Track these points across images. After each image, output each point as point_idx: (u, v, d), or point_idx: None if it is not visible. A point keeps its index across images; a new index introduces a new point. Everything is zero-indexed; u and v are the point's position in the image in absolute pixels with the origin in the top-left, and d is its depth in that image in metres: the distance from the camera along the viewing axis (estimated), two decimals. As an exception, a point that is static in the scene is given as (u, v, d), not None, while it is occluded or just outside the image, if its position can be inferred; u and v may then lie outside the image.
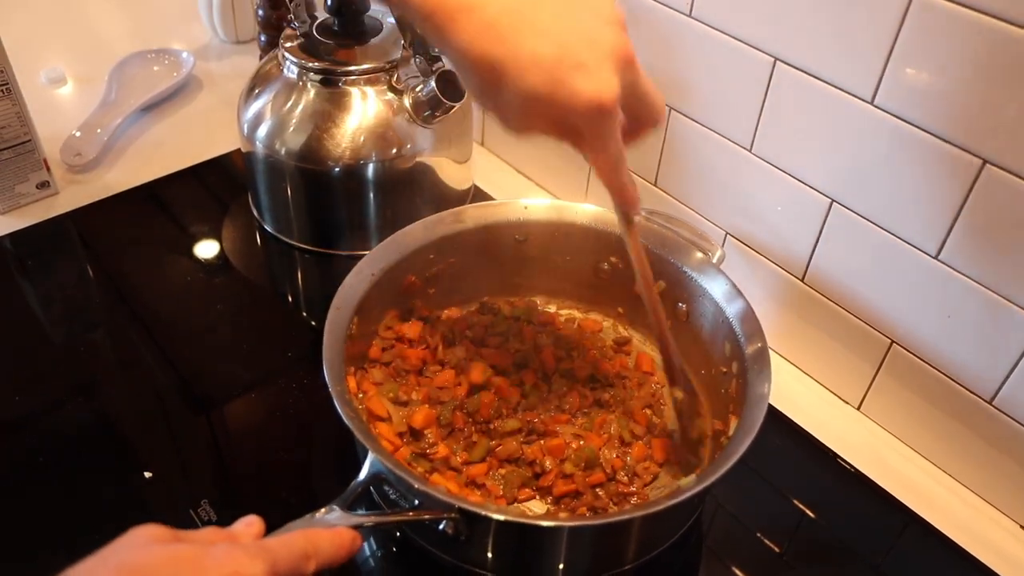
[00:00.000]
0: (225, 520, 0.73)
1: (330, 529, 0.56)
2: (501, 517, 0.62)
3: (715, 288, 0.79)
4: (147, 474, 0.78)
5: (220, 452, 0.83)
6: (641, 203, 0.67)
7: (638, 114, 0.61)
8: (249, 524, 0.54)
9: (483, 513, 0.61)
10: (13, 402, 0.84)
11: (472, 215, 0.86)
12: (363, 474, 0.64)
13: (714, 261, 0.81)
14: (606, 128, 0.57)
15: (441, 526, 0.63)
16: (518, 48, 0.55)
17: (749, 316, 0.76)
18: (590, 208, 0.87)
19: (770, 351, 0.93)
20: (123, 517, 0.74)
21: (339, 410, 0.65)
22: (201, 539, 0.50)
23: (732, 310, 0.77)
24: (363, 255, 0.80)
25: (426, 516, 0.64)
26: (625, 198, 0.65)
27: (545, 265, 0.90)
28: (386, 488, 0.67)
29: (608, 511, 0.74)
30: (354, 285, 0.78)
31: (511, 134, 0.59)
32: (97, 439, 0.82)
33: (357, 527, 0.58)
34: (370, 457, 0.64)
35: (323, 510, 0.59)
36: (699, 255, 0.82)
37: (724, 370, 0.78)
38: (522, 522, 0.65)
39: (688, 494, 0.63)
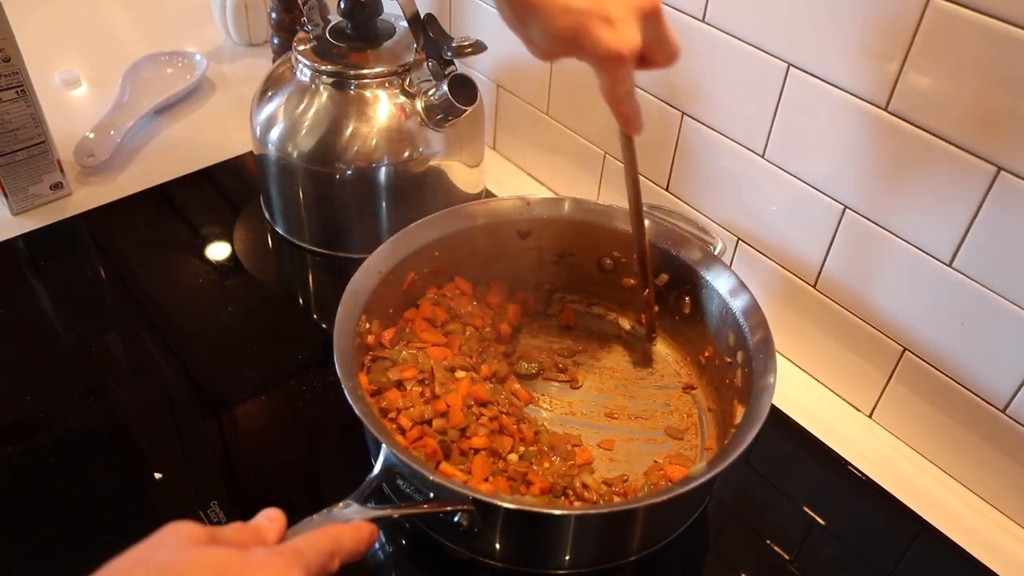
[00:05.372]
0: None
1: (350, 524, 0.57)
2: (515, 506, 0.64)
3: (716, 278, 0.81)
4: (157, 475, 0.79)
5: (229, 454, 0.83)
6: (643, 125, 0.70)
7: (654, 56, 0.66)
8: (272, 519, 0.55)
9: (497, 503, 0.63)
10: (24, 402, 0.85)
11: (476, 211, 0.87)
12: (377, 468, 0.65)
13: (715, 253, 0.82)
14: (622, 73, 0.64)
15: (456, 518, 0.64)
16: None
17: (752, 306, 0.77)
18: (592, 203, 0.88)
19: (781, 357, 0.93)
20: (133, 518, 0.75)
21: (352, 405, 0.66)
22: (235, 540, 0.51)
23: (734, 300, 0.79)
24: (362, 259, 0.81)
25: (440, 508, 0.64)
26: (629, 122, 0.70)
27: (548, 260, 0.91)
28: (399, 482, 0.67)
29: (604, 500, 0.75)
30: (362, 282, 0.78)
31: (536, 56, 0.65)
32: (107, 440, 0.82)
33: (373, 520, 0.59)
34: (383, 451, 0.65)
35: (340, 505, 0.60)
36: (700, 247, 0.83)
37: (729, 360, 0.79)
38: (535, 511, 0.66)
39: (698, 482, 0.64)
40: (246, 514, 0.54)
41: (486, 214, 0.88)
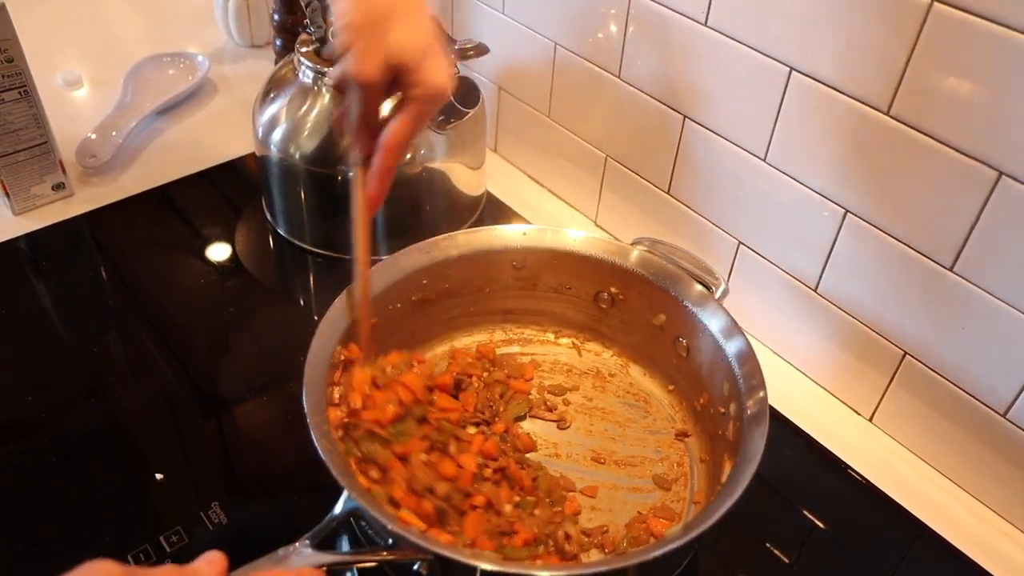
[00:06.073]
0: (236, 523, 0.74)
1: (292, 570, 0.55)
2: (475, 563, 0.59)
3: (715, 325, 0.77)
4: (158, 476, 0.79)
5: (230, 454, 0.83)
6: (381, 203, 0.75)
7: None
8: (211, 563, 0.51)
9: (456, 558, 0.59)
10: (25, 402, 0.85)
11: (468, 240, 0.84)
12: (337, 508, 0.62)
13: (717, 296, 0.79)
14: (434, 110, 0.69)
15: (416, 566, 0.61)
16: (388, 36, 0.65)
17: (749, 357, 0.73)
18: (590, 236, 0.85)
19: (781, 360, 0.93)
20: (133, 518, 0.75)
21: (316, 443, 0.63)
22: None
23: (731, 349, 0.75)
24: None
25: (399, 557, 0.61)
26: (382, 177, 0.74)
27: (543, 293, 0.88)
28: (364, 523, 0.64)
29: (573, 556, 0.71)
30: (341, 312, 0.75)
31: (348, 75, 0.67)
32: (107, 440, 0.82)
33: (325, 567, 0.57)
34: (345, 493, 0.62)
35: (296, 544, 0.58)
36: (701, 289, 0.79)
37: (723, 411, 0.75)
38: (496, 570, 0.60)
39: (668, 548, 0.61)
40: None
41: (479, 243, 0.84)
